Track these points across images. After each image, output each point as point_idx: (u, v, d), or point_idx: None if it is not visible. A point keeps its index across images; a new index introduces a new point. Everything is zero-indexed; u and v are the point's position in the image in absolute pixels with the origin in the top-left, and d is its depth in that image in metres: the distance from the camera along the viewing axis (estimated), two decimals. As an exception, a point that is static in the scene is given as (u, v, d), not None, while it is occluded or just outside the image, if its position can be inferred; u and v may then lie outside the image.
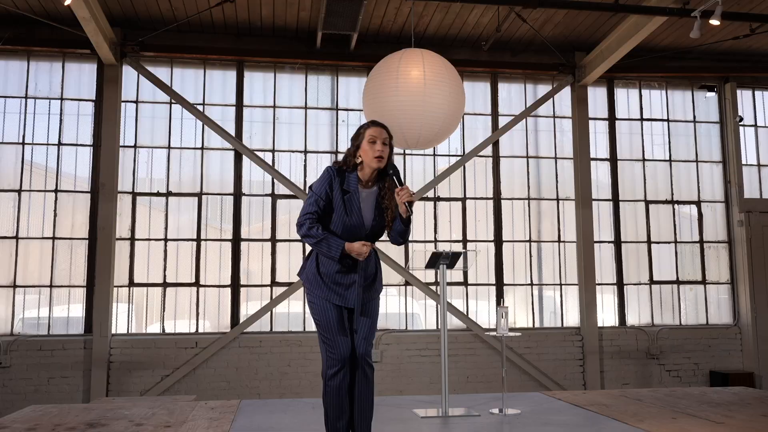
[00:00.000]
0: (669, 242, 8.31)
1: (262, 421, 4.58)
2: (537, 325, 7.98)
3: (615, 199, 8.24)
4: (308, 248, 3.40)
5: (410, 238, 3.48)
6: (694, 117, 8.58)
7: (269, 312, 7.44)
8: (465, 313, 7.71)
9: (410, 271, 7.56)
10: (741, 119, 8.46)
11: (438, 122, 5.33)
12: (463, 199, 7.97)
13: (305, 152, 7.78)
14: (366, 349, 3.32)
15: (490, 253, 7.95)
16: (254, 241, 7.55)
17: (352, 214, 3.27)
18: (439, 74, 5.32)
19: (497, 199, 8.02)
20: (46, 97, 7.43)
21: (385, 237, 3.45)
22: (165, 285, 7.35)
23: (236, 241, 7.49)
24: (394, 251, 7.67)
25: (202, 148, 7.61)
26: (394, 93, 5.27)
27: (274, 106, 7.79)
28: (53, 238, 7.24)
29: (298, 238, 7.50)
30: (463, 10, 7.10)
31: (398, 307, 7.74)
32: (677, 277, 8.27)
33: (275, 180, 7.60)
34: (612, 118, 8.39)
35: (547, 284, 8.05)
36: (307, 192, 3.39)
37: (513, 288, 7.97)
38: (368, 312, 3.36)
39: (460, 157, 7.95)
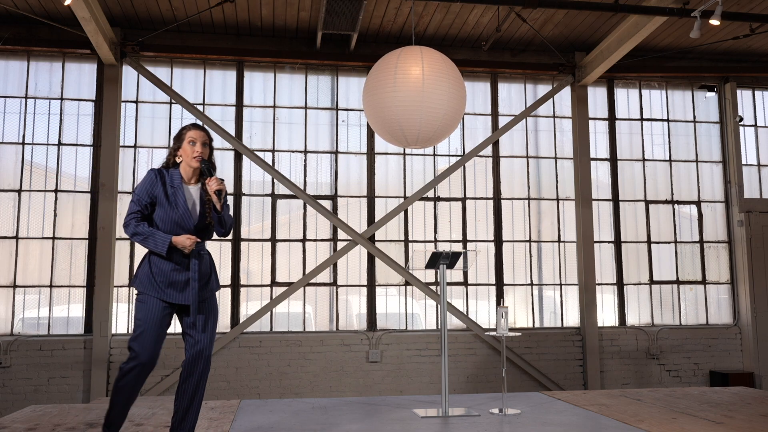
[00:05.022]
0: (669, 242, 8.31)
1: (262, 421, 4.59)
2: (537, 325, 7.98)
3: (615, 199, 8.24)
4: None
5: (228, 227, 3.65)
6: (694, 117, 8.58)
7: (269, 312, 7.44)
8: (465, 313, 7.71)
9: (410, 271, 7.56)
10: (741, 119, 8.46)
11: (437, 119, 5.31)
12: (463, 199, 7.97)
13: (305, 152, 7.78)
14: (207, 345, 3.48)
15: (490, 253, 7.95)
16: (254, 241, 7.55)
17: (178, 208, 3.43)
18: (438, 71, 5.29)
19: (497, 199, 8.02)
20: (46, 97, 7.43)
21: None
22: (165, 285, 7.34)
23: (236, 241, 7.49)
24: (395, 251, 7.68)
25: (202, 148, 7.59)
26: (392, 90, 5.25)
27: (274, 106, 7.80)
28: (53, 238, 7.24)
29: (299, 238, 7.56)
30: (463, 10, 7.11)
31: (398, 307, 7.74)
32: (677, 277, 8.27)
33: (275, 180, 7.60)
34: (612, 118, 8.39)
35: (547, 284, 8.05)
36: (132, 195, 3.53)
37: (513, 288, 7.97)
38: (205, 310, 3.50)
39: (460, 157, 7.95)
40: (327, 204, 7.68)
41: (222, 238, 3.71)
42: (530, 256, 8.06)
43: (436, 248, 7.48)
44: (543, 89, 8.24)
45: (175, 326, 7.96)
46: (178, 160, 3.56)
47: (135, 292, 3.50)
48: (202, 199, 3.53)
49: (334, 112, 7.90)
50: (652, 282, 8.21)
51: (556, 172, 8.20)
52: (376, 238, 7.68)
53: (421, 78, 5.22)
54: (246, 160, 7.60)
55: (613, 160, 8.31)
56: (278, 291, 7.48)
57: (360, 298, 7.68)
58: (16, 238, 7.18)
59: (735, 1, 6.77)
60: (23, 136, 7.35)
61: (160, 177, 3.48)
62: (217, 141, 7.59)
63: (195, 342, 3.45)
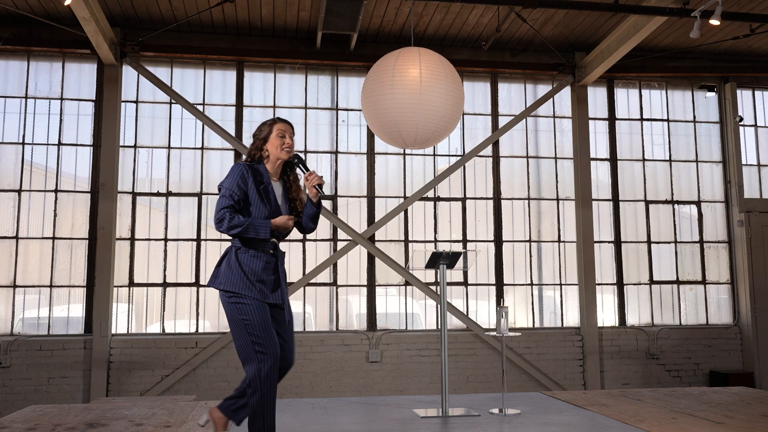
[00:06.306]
0: (669, 242, 8.31)
1: (262, 421, 4.57)
2: (537, 325, 7.97)
3: (615, 199, 8.24)
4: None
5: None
6: (694, 117, 8.58)
7: (269, 312, 7.43)
8: (465, 313, 7.71)
9: (410, 271, 7.56)
10: (741, 119, 8.46)
11: (435, 120, 5.31)
12: (463, 199, 7.97)
13: (305, 152, 7.77)
14: (294, 349, 3.45)
15: (490, 253, 7.95)
16: (254, 241, 7.54)
17: (270, 204, 3.32)
18: (435, 72, 5.29)
19: (497, 199, 8.02)
20: (46, 97, 7.43)
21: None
22: (165, 285, 7.36)
23: (236, 241, 7.48)
24: (395, 251, 7.68)
25: (202, 148, 7.61)
26: (390, 91, 5.25)
27: (274, 106, 7.80)
28: (53, 238, 7.24)
29: (299, 237, 7.56)
30: (463, 10, 7.11)
31: (398, 307, 7.74)
32: (677, 277, 8.27)
33: (275, 180, 7.59)
34: (612, 118, 8.39)
35: (547, 284, 8.05)
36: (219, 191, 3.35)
37: (513, 288, 7.97)
38: (289, 309, 3.44)
39: (460, 157, 7.95)
40: (327, 204, 7.68)
41: (307, 236, 3.64)
42: (530, 256, 8.06)
43: (436, 248, 7.48)
44: (543, 89, 8.24)
45: (175, 327, 7.94)
46: (264, 154, 3.38)
47: (224, 293, 3.25)
48: (286, 195, 3.44)
49: (334, 112, 7.90)
50: (652, 282, 8.21)
51: (556, 172, 8.20)
52: (376, 238, 7.68)
53: (419, 79, 5.22)
54: (246, 160, 7.59)
55: (613, 160, 8.31)
56: (278, 291, 7.46)
57: (360, 298, 7.68)
58: (16, 238, 7.18)
59: (735, 1, 6.77)
60: (23, 136, 7.35)
61: (251, 171, 3.30)
62: (217, 141, 7.60)
63: (288, 346, 3.39)
